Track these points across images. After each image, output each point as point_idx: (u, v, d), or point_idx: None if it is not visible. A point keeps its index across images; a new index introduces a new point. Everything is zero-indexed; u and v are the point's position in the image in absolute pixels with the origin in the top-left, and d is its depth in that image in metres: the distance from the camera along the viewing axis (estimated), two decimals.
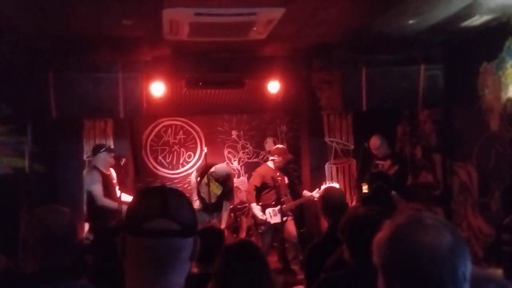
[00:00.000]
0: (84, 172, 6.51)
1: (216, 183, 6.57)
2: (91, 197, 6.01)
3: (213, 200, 6.42)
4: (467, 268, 1.24)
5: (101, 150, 6.12)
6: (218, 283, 2.15)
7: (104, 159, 6.11)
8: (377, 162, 6.58)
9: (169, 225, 1.27)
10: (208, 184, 6.37)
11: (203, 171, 6.61)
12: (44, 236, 1.90)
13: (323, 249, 3.36)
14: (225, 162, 7.14)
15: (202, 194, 6.59)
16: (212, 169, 6.53)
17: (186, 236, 1.31)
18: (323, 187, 6.33)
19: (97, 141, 6.78)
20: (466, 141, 5.45)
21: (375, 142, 6.50)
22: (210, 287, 2.21)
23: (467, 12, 4.37)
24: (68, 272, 1.85)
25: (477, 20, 4.63)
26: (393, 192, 5.21)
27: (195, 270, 2.92)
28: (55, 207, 2.04)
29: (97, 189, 5.95)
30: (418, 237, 1.24)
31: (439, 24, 4.67)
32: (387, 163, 6.41)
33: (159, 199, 1.31)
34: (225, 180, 6.60)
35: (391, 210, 3.71)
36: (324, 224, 6.25)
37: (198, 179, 6.67)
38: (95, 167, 6.07)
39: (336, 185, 6.42)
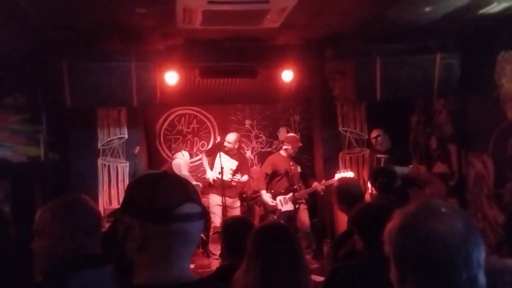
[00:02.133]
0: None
1: (228, 157, 6.73)
2: None
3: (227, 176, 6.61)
4: (481, 254, 1.22)
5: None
6: (251, 264, 2.14)
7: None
8: (378, 156, 6.57)
9: (195, 208, 1.33)
10: (220, 160, 6.46)
11: (214, 149, 6.80)
12: (92, 223, 1.92)
13: (346, 239, 3.33)
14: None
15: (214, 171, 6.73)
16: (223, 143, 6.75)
17: (204, 217, 1.39)
18: (337, 175, 6.32)
19: (111, 130, 6.84)
20: (482, 131, 5.38)
21: (377, 134, 6.50)
22: (239, 271, 2.20)
23: None
24: (101, 258, 1.88)
25: (494, 7, 4.53)
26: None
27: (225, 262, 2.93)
28: (80, 195, 2.06)
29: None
30: (430, 225, 1.22)
31: (455, 12, 4.58)
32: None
33: (178, 184, 1.35)
34: (238, 152, 6.86)
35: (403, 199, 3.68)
36: (338, 213, 6.27)
37: (209, 158, 6.88)
38: None
39: (351, 174, 6.41)
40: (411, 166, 6.51)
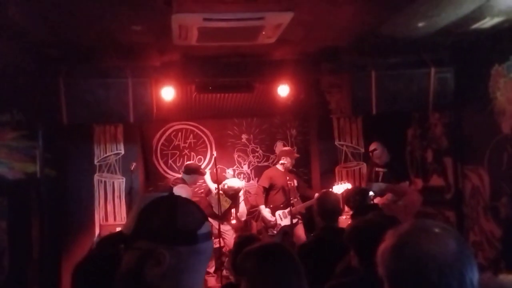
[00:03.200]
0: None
1: (226, 197, 6.69)
2: None
3: (221, 211, 6.51)
4: (474, 275, 1.22)
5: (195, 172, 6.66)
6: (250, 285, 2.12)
7: (194, 180, 6.79)
8: (377, 169, 6.61)
9: (209, 227, 1.37)
10: (218, 197, 6.45)
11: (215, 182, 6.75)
12: None
13: (312, 250, 3.40)
14: (235, 176, 7.16)
15: (212, 203, 6.68)
16: (224, 183, 6.69)
17: None
18: (334, 187, 6.34)
19: (108, 146, 6.83)
20: (477, 144, 5.40)
21: (374, 148, 6.55)
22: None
23: (478, 14, 4.33)
24: None
25: (487, 22, 4.58)
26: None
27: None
28: None
29: None
30: (422, 246, 1.22)
31: (449, 26, 4.63)
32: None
33: (193, 205, 1.39)
34: (234, 195, 6.75)
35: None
36: None
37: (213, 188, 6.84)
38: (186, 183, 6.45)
39: (348, 185, 6.42)
40: (407, 181, 6.55)
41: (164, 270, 1.25)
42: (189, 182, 6.58)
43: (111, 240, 1.42)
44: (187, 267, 1.29)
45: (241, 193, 6.90)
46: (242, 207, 7.00)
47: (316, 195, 6.63)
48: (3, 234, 4.86)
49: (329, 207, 3.92)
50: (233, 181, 6.82)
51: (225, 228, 6.81)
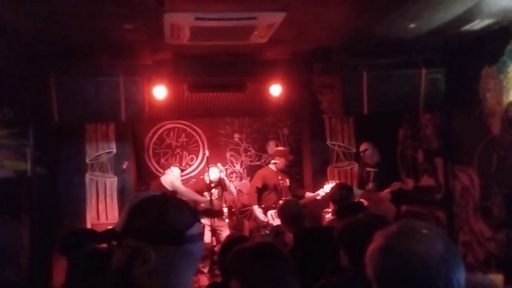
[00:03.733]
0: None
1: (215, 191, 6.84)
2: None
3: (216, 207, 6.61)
4: (462, 275, 1.23)
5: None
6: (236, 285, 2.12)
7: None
8: (368, 169, 6.65)
9: (200, 228, 1.36)
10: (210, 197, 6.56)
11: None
12: None
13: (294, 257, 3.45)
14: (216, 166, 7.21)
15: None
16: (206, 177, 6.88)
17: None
18: (326, 186, 6.37)
19: (99, 144, 6.82)
20: (467, 145, 5.44)
21: (365, 148, 6.61)
22: None
23: (468, 16, 4.37)
24: None
25: (478, 24, 4.62)
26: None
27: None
28: None
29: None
30: (410, 247, 1.23)
31: (440, 28, 4.66)
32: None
33: (185, 205, 1.37)
34: (220, 183, 6.89)
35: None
36: None
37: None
38: None
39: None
40: (369, 187, 6.58)
41: (150, 269, 1.26)
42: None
43: (104, 237, 1.43)
44: (174, 267, 1.29)
45: (223, 175, 6.98)
46: (232, 187, 7.08)
47: (308, 193, 6.72)
48: None
49: (293, 213, 4.10)
50: (212, 173, 6.88)
51: (221, 224, 6.84)
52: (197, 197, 6.71)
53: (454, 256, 1.24)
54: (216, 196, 6.83)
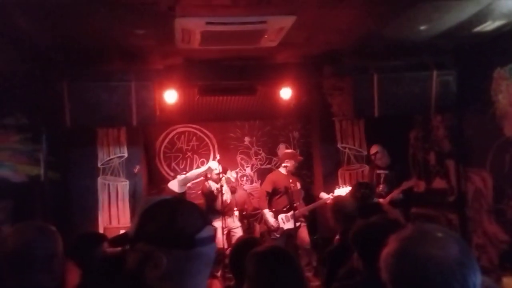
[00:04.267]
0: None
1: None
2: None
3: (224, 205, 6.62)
4: (478, 278, 1.22)
5: None
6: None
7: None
8: (378, 171, 6.61)
9: (211, 231, 1.35)
10: (221, 196, 6.53)
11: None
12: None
13: (338, 255, 3.38)
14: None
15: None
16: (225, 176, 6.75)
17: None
18: (336, 191, 6.35)
19: (111, 149, 6.86)
20: (479, 147, 5.40)
21: (376, 150, 6.57)
22: None
23: (479, 17, 4.34)
24: None
25: (489, 25, 4.59)
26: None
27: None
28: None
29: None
30: (425, 250, 1.23)
31: (451, 29, 4.64)
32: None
33: (196, 209, 1.37)
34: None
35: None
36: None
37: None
38: None
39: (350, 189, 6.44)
40: (380, 189, 6.51)
41: (162, 273, 1.26)
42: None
43: (117, 241, 1.44)
44: (186, 271, 1.30)
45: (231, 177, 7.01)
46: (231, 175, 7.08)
47: (323, 194, 6.68)
48: None
49: (347, 211, 3.91)
50: (212, 165, 6.85)
51: (235, 225, 6.84)
52: (200, 170, 6.76)
53: (469, 259, 1.24)
54: (228, 199, 6.83)
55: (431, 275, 1.20)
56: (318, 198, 6.73)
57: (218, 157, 6.92)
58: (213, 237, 1.36)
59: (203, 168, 6.87)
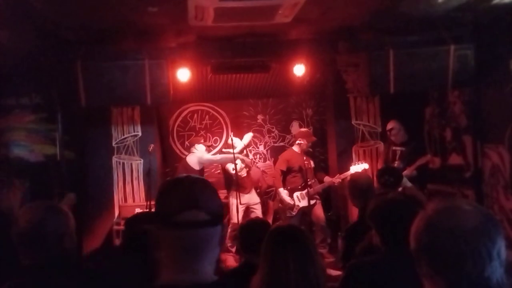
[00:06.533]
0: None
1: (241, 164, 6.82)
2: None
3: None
4: (502, 244, 1.30)
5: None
6: (265, 267, 2.16)
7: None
8: (394, 148, 6.55)
9: (198, 216, 1.35)
10: (236, 173, 6.57)
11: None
12: None
13: (356, 232, 3.38)
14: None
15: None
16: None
17: (215, 225, 1.39)
18: (352, 167, 6.35)
19: (125, 128, 6.90)
20: (497, 122, 5.32)
21: (391, 127, 6.49)
22: (257, 276, 2.21)
23: None
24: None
25: None
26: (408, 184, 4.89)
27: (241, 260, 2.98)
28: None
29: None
30: (454, 221, 1.30)
31: (469, 2, 4.53)
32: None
33: (187, 191, 1.38)
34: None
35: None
36: (352, 206, 6.27)
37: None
38: None
39: (366, 165, 6.41)
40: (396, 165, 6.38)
41: (156, 247, 1.35)
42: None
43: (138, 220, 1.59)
44: (170, 250, 1.36)
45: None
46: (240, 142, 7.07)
47: (327, 178, 6.66)
48: None
49: (362, 188, 3.88)
50: (238, 142, 6.91)
51: (255, 201, 6.87)
52: (231, 156, 6.51)
53: (495, 225, 1.31)
54: (244, 174, 6.84)
55: (458, 240, 1.27)
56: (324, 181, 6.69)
57: (231, 135, 6.91)
58: (202, 223, 1.35)
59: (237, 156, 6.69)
